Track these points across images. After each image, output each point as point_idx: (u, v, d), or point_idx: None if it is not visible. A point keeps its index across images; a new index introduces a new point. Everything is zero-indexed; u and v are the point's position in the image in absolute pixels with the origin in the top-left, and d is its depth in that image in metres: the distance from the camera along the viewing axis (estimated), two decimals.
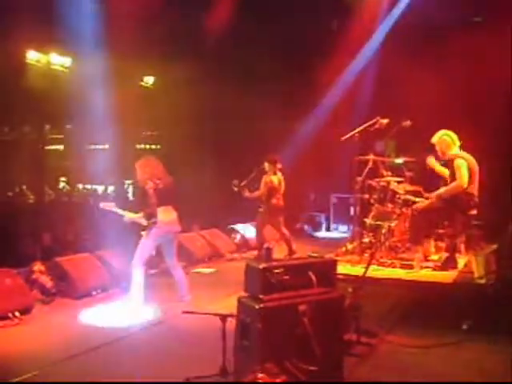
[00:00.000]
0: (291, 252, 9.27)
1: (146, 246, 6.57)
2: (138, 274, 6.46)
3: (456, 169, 6.34)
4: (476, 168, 6.46)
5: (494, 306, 5.39)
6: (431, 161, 6.85)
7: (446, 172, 6.69)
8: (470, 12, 11.27)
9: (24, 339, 5.57)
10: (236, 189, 9.38)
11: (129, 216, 6.66)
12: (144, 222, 6.56)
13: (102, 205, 6.82)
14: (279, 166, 9.36)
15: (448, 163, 6.57)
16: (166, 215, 6.60)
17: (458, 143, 6.56)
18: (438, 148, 6.63)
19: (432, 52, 11.23)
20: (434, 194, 6.66)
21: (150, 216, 6.52)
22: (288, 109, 12.48)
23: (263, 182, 9.37)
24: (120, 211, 6.70)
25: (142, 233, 6.65)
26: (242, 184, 9.38)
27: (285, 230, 9.48)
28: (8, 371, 4.70)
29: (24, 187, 16.21)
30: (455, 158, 6.43)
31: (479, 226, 6.67)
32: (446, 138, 6.57)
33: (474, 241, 6.72)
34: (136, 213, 6.62)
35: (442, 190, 6.53)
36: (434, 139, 6.65)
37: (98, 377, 4.52)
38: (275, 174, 9.31)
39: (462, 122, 7.27)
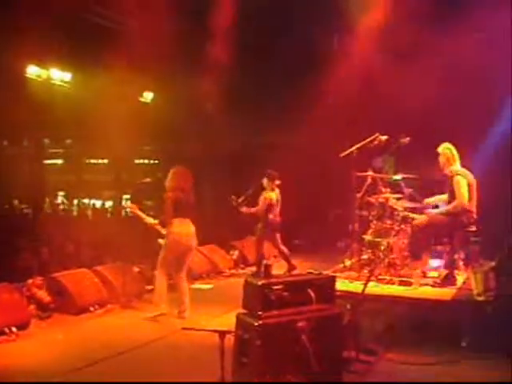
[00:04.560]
0: (290, 268, 9.24)
1: (163, 256, 6.72)
2: (158, 283, 6.70)
3: (455, 186, 6.35)
4: (474, 184, 6.47)
5: (493, 323, 5.37)
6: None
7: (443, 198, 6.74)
8: None
9: (21, 355, 5.53)
10: (234, 203, 9.40)
11: (148, 221, 6.89)
12: (162, 230, 6.76)
13: (125, 205, 7.16)
14: (277, 182, 9.36)
15: (447, 179, 6.57)
16: (182, 227, 6.69)
17: (458, 159, 6.57)
18: (439, 160, 6.63)
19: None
20: (434, 213, 6.68)
21: (164, 224, 6.65)
22: (286, 124, 12.49)
23: (262, 198, 9.35)
24: (142, 214, 6.95)
25: (160, 240, 6.79)
26: (240, 200, 9.38)
27: (283, 247, 9.46)
28: None
29: (23, 201, 16.18)
30: (454, 174, 6.43)
31: (478, 243, 6.66)
32: (447, 152, 6.58)
33: (472, 257, 6.70)
34: (155, 219, 6.86)
35: (443, 209, 6.55)
36: (439, 150, 6.67)
37: None
38: (273, 190, 9.30)
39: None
